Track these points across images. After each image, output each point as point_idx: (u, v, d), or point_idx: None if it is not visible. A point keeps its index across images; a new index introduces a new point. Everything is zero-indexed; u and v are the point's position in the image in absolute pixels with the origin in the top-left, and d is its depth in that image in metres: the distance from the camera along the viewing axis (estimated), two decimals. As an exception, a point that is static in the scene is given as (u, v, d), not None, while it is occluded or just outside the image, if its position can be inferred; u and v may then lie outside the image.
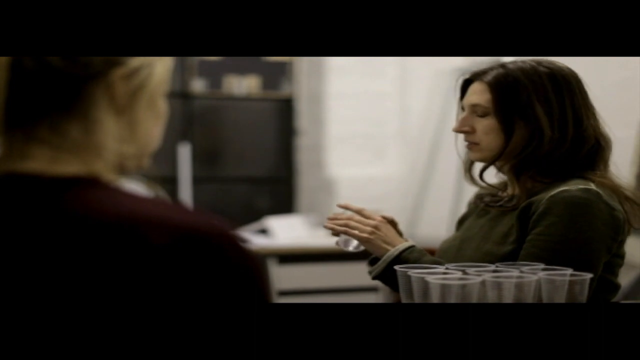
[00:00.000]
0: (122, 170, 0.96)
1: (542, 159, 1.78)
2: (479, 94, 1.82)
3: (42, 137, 0.90)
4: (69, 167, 0.90)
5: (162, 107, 1.00)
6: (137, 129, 0.96)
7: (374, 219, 1.85)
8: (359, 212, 1.88)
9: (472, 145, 1.85)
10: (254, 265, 0.86)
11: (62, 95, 0.90)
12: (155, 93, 0.98)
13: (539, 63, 1.81)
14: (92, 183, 0.89)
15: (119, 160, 0.94)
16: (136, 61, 0.94)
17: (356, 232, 1.83)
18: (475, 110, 1.83)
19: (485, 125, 1.81)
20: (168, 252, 0.81)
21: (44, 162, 0.89)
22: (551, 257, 1.63)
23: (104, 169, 0.92)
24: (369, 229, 1.83)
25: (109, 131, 0.92)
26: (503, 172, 1.89)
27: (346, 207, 1.90)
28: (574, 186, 1.71)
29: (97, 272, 0.80)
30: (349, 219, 1.86)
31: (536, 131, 1.77)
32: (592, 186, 1.72)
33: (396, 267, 1.56)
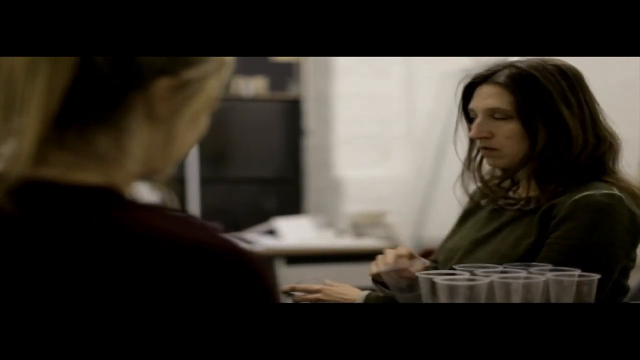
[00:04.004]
0: (145, 177, 0.92)
1: (569, 162, 1.72)
2: (495, 97, 1.74)
3: (67, 143, 0.85)
4: (86, 175, 0.85)
5: (204, 123, 0.94)
6: (173, 143, 0.91)
7: (314, 290, 1.86)
8: (302, 290, 1.87)
9: (491, 151, 1.77)
10: (262, 280, 0.83)
11: (100, 102, 0.84)
12: (201, 109, 0.92)
13: (545, 61, 1.76)
14: (106, 194, 0.85)
15: (144, 171, 0.90)
16: (189, 74, 0.89)
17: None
18: (493, 115, 1.75)
19: (508, 130, 1.73)
20: (175, 265, 0.80)
21: (61, 168, 0.84)
22: (570, 261, 1.59)
23: (123, 180, 0.87)
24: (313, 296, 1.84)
25: (140, 143, 0.87)
26: (518, 175, 1.82)
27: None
28: (598, 190, 1.68)
29: (99, 282, 0.79)
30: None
31: (562, 133, 1.71)
32: (615, 190, 1.69)
33: (418, 274, 1.51)
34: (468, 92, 1.82)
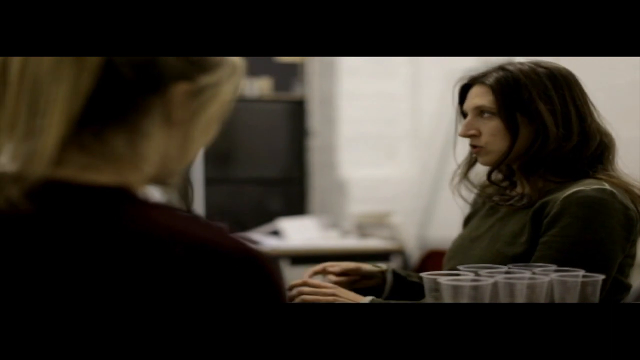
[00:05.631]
0: (157, 180, 0.93)
1: (550, 157, 1.78)
2: (481, 96, 1.83)
3: (84, 143, 0.86)
4: (101, 176, 0.86)
5: (215, 130, 0.97)
6: (187, 147, 0.93)
7: (328, 287, 1.82)
8: (315, 286, 1.83)
9: (479, 149, 1.84)
10: (272, 279, 0.84)
11: (118, 104, 0.86)
12: (215, 114, 0.94)
13: (538, 64, 1.82)
14: (120, 194, 0.86)
15: (157, 174, 0.91)
16: (205, 79, 0.91)
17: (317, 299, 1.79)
18: (480, 112, 1.83)
19: (491, 127, 1.81)
20: (188, 265, 0.81)
21: (76, 168, 0.86)
22: (567, 259, 1.62)
23: (136, 181, 0.88)
24: (330, 298, 1.79)
25: (156, 146, 0.89)
26: (515, 175, 1.88)
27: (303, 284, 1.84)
28: (588, 186, 1.70)
29: (113, 281, 0.80)
30: (300, 292, 1.80)
31: (540, 129, 1.77)
32: (606, 185, 1.71)
33: (422, 274, 1.52)
34: (463, 94, 1.91)
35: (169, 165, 0.93)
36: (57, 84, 0.83)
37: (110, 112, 0.86)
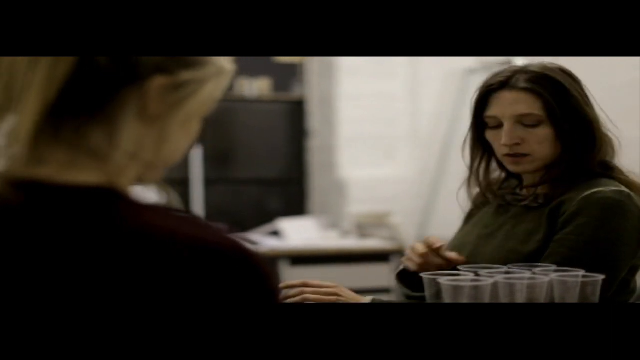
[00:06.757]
0: (139, 179, 0.92)
1: (585, 161, 1.76)
2: (523, 103, 1.75)
3: (64, 139, 0.85)
4: (84, 174, 0.85)
5: (196, 128, 0.95)
6: (165, 142, 0.91)
7: (330, 287, 1.80)
8: (316, 286, 1.80)
9: (521, 157, 1.77)
10: (265, 279, 0.84)
11: (95, 95, 0.85)
12: (194, 113, 0.92)
13: (551, 64, 1.80)
14: (110, 194, 0.86)
15: (139, 170, 0.90)
16: (186, 75, 0.89)
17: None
18: (522, 121, 1.75)
19: (539, 135, 1.75)
20: (183, 265, 0.80)
21: (58, 167, 0.85)
22: (579, 258, 1.62)
23: (123, 180, 0.88)
24: (333, 298, 1.78)
25: (131, 139, 0.87)
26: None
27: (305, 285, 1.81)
28: (606, 187, 1.70)
29: (105, 281, 0.79)
30: (302, 292, 1.78)
31: (588, 134, 1.75)
32: (623, 187, 1.71)
33: (422, 274, 1.51)
34: (484, 100, 1.82)
35: (148, 161, 0.91)
36: (34, 70, 0.82)
37: (87, 104, 0.85)
